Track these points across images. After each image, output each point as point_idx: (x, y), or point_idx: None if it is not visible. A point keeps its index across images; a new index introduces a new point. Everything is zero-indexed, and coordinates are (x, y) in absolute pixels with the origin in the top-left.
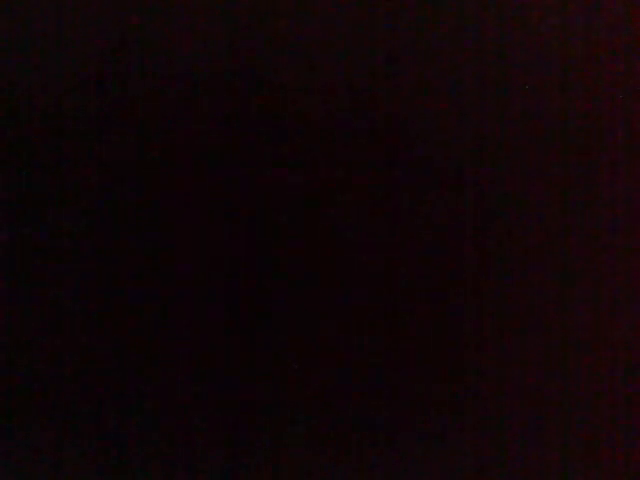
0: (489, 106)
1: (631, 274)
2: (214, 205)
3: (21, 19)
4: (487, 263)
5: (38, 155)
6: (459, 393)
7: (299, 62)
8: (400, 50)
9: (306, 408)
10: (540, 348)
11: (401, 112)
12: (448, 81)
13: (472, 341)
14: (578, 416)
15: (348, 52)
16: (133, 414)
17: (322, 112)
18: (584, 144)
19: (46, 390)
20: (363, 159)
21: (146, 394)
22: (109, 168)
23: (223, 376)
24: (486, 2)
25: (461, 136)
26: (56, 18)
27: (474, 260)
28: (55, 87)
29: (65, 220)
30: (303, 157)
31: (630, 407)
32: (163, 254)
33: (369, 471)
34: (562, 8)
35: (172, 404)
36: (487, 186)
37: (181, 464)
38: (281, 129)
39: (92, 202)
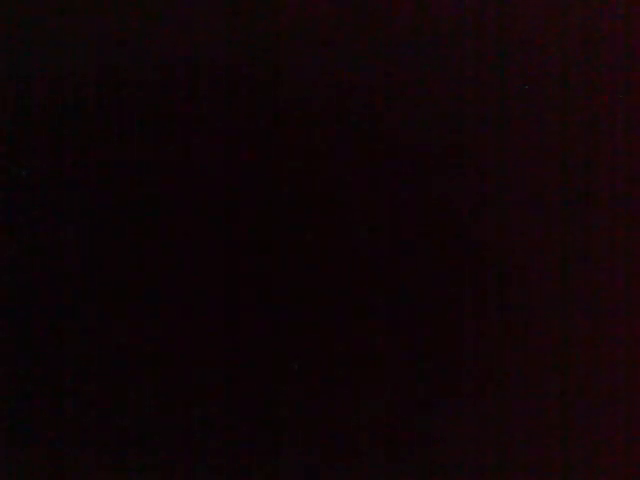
0: (488, 106)
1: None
2: (214, 205)
3: (21, 18)
4: (487, 264)
5: (38, 156)
6: (460, 395)
7: (299, 61)
8: (399, 50)
9: (306, 409)
10: (540, 348)
11: (401, 113)
12: (447, 81)
13: (472, 342)
14: (578, 417)
15: (348, 53)
16: (132, 416)
17: (321, 111)
18: (584, 144)
19: (45, 394)
20: (363, 161)
21: (146, 395)
22: (110, 167)
23: (223, 377)
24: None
25: (460, 137)
26: (56, 16)
27: (474, 260)
28: (54, 87)
29: (64, 220)
30: (303, 155)
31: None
32: (164, 255)
33: (370, 471)
34: (562, 8)
35: (172, 405)
36: (486, 185)
37: (182, 465)
38: (281, 127)
39: (94, 202)
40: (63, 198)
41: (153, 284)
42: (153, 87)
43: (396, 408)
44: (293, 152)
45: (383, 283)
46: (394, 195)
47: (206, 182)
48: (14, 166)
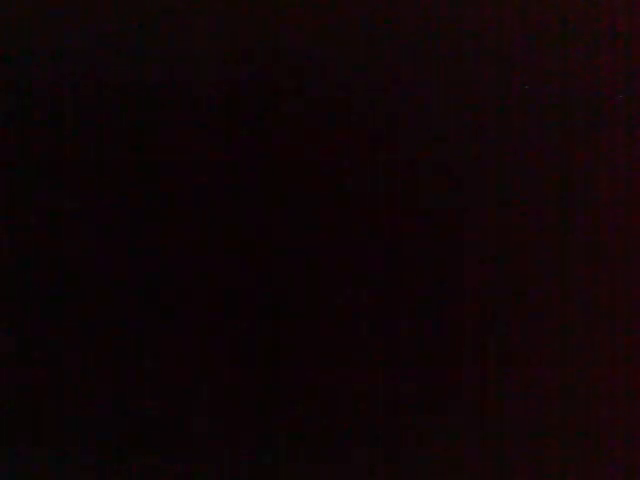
0: (488, 106)
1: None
2: (212, 210)
3: (18, 26)
4: (486, 267)
5: (37, 158)
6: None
7: (299, 68)
8: (398, 51)
9: (306, 409)
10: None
11: (400, 115)
12: (447, 82)
13: (473, 344)
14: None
15: (347, 59)
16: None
17: (320, 117)
18: (584, 144)
19: (47, 398)
20: (363, 165)
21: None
22: (108, 173)
23: (224, 377)
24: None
25: (460, 138)
26: (54, 23)
27: (474, 262)
28: (54, 92)
29: (64, 223)
30: (302, 162)
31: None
32: (163, 255)
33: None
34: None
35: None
36: (486, 186)
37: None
38: (279, 134)
39: (92, 206)
40: (63, 200)
41: (152, 284)
42: (152, 92)
43: (395, 411)
44: (293, 153)
45: (384, 286)
46: (393, 196)
47: (204, 183)
48: (14, 166)
